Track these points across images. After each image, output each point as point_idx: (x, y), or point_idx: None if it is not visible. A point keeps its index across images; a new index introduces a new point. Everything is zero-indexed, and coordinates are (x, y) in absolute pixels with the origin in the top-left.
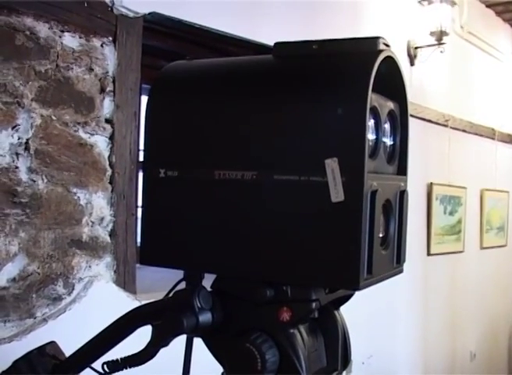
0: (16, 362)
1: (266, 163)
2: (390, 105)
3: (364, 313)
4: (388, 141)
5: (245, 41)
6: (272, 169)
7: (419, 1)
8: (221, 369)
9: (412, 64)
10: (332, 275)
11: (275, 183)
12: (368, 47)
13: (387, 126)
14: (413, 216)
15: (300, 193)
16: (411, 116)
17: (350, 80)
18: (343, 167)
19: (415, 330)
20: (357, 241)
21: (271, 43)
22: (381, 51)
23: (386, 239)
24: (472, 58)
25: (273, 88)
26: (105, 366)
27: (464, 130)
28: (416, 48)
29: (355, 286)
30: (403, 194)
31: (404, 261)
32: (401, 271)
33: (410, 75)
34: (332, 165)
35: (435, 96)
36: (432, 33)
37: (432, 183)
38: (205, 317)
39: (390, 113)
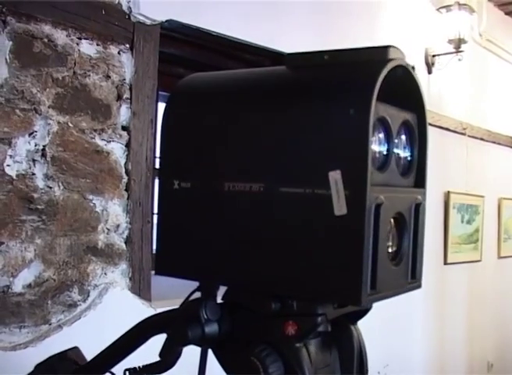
0: (37, 366)
1: (273, 175)
2: (405, 115)
3: (380, 322)
4: (402, 153)
5: (262, 48)
6: (279, 182)
7: (437, 9)
8: None
9: (430, 72)
10: (334, 290)
11: (281, 196)
12: (377, 56)
13: (402, 137)
14: (430, 225)
15: (305, 206)
16: (429, 124)
17: (354, 90)
18: (346, 180)
19: (432, 339)
20: (359, 255)
21: (288, 51)
22: (389, 60)
23: (399, 253)
24: (491, 66)
25: (280, 100)
26: (127, 373)
27: (481, 139)
28: (434, 55)
29: (357, 301)
30: (418, 207)
31: (421, 276)
32: (418, 286)
33: (427, 83)
34: (335, 177)
35: (452, 104)
36: (450, 41)
37: (449, 191)
38: (211, 328)
39: (406, 124)
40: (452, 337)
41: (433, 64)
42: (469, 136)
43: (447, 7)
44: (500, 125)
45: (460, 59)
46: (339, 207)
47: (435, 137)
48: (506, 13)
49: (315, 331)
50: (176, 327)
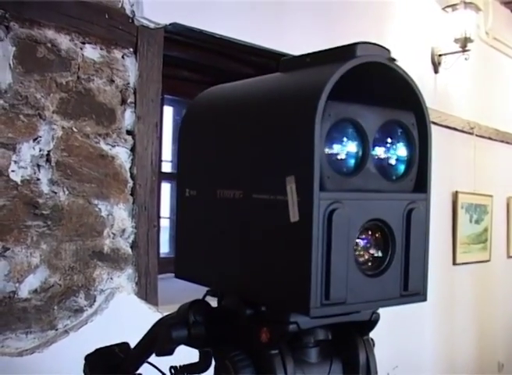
0: (86, 357)
1: (248, 182)
2: (393, 114)
3: (388, 323)
4: (386, 155)
5: (267, 50)
6: (252, 189)
7: (443, 8)
8: None
9: (436, 71)
10: (288, 298)
11: (254, 202)
12: (345, 55)
13: (387, 138)
14: (438, 225)
15: (269, 212)
16: (436, 124)
17: (305, 94)
18: (298, 186)
19: (441, 339)
20: (307, 264)
21: (293, 52)
22: (351, 58)
23: (383, 263)
24: (498, 65)
25: (252, 113)
26: (172, 370)
27: (489, 138)
28: (440, 55)
29: (305, 311)
30: (410, 213)
31: (421, 287)
32: (419, 299)
33: (434, 82)
34: (290, 183)
35: (459, 103)
36: (456, 40)
37: (457, 191)
38: (198, 330)
39: (395, 124)
40: (462, 337)
41: (440, 63)
42: (477, 135)
43: (453, 6)
44: (508, 124)
45: (466, 58)
46: (294, 214)
47: (442, 136)
48: None
49: (286, 339)
50: (163, 328)
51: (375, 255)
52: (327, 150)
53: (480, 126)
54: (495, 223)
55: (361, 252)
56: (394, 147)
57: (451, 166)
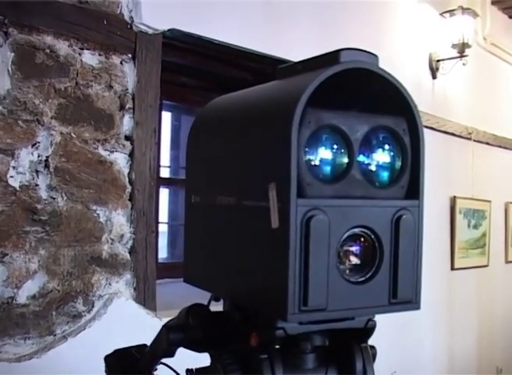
0: (105, 358)
1: (239, 190)
2: (380, 121)
3: (386, 328)
4: (372, 161)
5: (266, 56)
6: (242, 195)
7: (441, 14)
8: None
9: (434, 77)
10: (268, 303)
11: (244, 209)
12: (329, 62)
13: (374, 144)
14: (436, 230)
15: (256, 218)
16: (433, 129)
17: (285, 100)
18: (279, 193)
19: (440, 344)
20: (285, 270)
21: (291, 58)
22: (335, 64)
23: (369, 271)
24: (495, 70)
25: (242, 123)
26: (188, 372)
27: (487, 143)
28: (438, 60)
29: (283, 317)
30: (399, 220)
31: (413, 295)
32: (410, 307)
33: (432, 88)
34: (271, 190)
35: (457, 109)
36: (454, 46)
37: (455, 196)
38: (194, 333)
39: (383, 129)
40: (460, 342)
41: (437, 69)
42: (475, 140)
43: (451, 11)
44: (506, 129)
45: (464, 64)
46: (274, 220)
47: (440, 142)
48: (511, 17)
49: (274, 344)
50: (163, 330)
51: (361, 262)
52: (307, 157)
53: (478, 132)
54: (493, 228)
55: (345, 259)
56: (382, 153)
57: (449, 171)
